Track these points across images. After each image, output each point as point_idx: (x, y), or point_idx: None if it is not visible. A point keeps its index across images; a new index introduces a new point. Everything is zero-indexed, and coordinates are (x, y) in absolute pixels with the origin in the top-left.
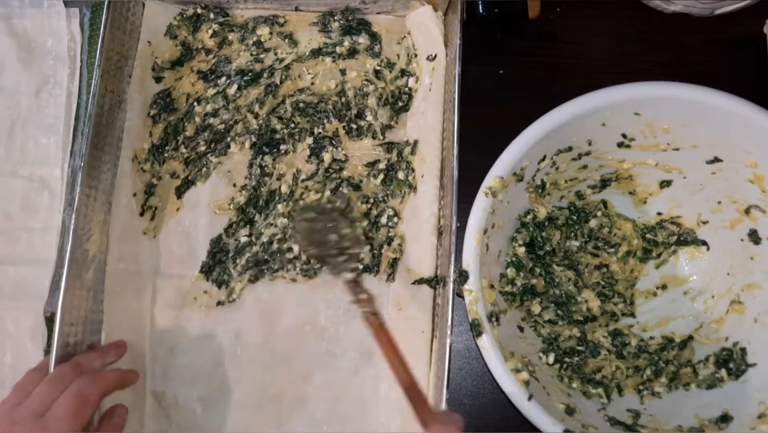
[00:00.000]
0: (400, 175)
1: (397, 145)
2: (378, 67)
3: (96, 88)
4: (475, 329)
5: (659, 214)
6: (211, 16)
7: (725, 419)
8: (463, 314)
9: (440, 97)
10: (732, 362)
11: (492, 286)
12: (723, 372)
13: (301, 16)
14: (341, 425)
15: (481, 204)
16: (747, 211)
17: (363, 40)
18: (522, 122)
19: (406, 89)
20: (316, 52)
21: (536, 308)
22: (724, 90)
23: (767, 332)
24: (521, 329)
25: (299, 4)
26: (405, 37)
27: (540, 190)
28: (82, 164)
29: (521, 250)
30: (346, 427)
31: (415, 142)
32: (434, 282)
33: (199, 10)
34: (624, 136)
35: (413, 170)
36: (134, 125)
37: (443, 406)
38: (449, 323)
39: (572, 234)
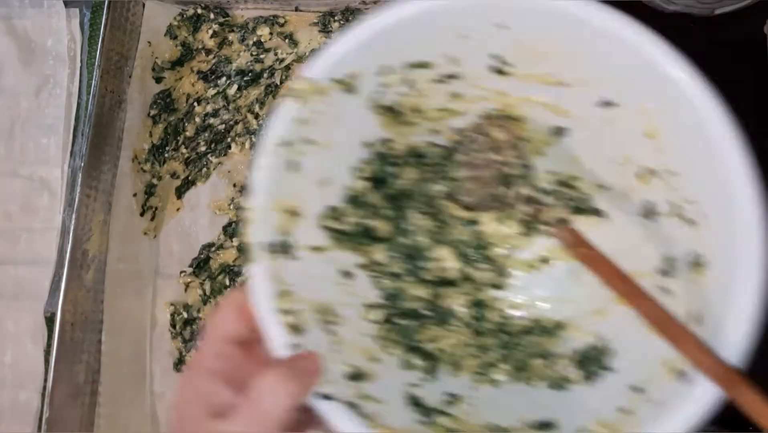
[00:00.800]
0: None
1: None
2: None
3: (96, 89)
4: (244, 255)
5: (554, 173)
6: (211, 16)
7: (545, 426)
8: None
9: None
10: (593, 363)
11: (296, 212)
12: (577, 372)
13: (301, 17)
14: None
15: (284, 109)
16: (642, 176)
17: None
18: None
19: None
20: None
21: (381, 257)
22: (725, 90)
23: (641, 336)
24: (349, 274)
25: (299, 4)
26: None
27: (393, 114)
28: (82, 164)
29: (363, 184)
30: None
31: None
32: None
33: (199, 11)
34: (495, 57)
35: None
36: (134, 125)
37: None
38: None
39: (438, 176)
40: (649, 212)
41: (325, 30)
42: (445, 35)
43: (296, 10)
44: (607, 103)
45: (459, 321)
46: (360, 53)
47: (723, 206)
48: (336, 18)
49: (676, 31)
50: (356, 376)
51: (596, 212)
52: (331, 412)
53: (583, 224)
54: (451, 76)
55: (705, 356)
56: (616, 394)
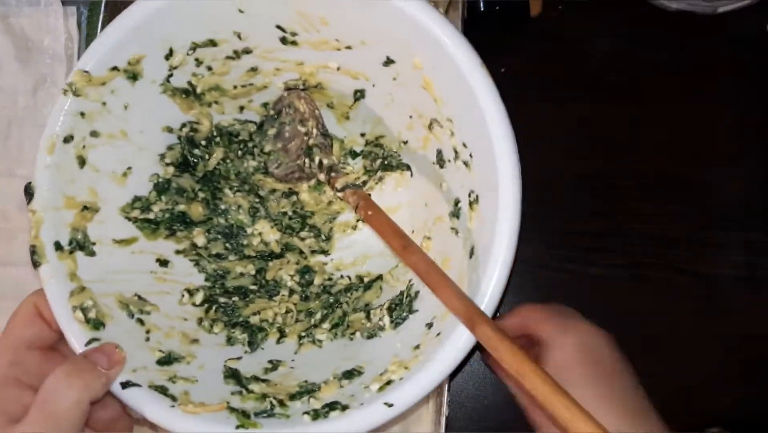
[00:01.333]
0: None
1: None
2: None
3: None
4: (33, 258)
5: (363, 135)
6: None
7: (352, 374)
8: None
9: None
10: (403, 308)
11: (92, 208)
12: (389, 320)
13: None
14: None
15: (61, 105)
16: (430, 127)
17: None
18: (524, 120)
19: None
20: None
21: (201, 240)
22: (726, 88)
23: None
24: (165, 262)
25: None
26: None
27: (191, 96)
28: None
29: (170, 170)
30: None
31: None
32: None
33: None
34: (281, 29)
35: None
36: None
37: (444, 409)
38: None
39: (250, 153)
40: (440, 160)
41: None
42: (222, 12)
43: None
44: (389, 61)
45: (287, 290)
46: (136, 38)
47: (485, 145)
48: None
49: (680, 29)
50: (167, 360)
51: (403, 167)
52: (133, 398)
53: (394, 180)
54: (244, 52)
55: (455, 300)
56: (415, 334)
